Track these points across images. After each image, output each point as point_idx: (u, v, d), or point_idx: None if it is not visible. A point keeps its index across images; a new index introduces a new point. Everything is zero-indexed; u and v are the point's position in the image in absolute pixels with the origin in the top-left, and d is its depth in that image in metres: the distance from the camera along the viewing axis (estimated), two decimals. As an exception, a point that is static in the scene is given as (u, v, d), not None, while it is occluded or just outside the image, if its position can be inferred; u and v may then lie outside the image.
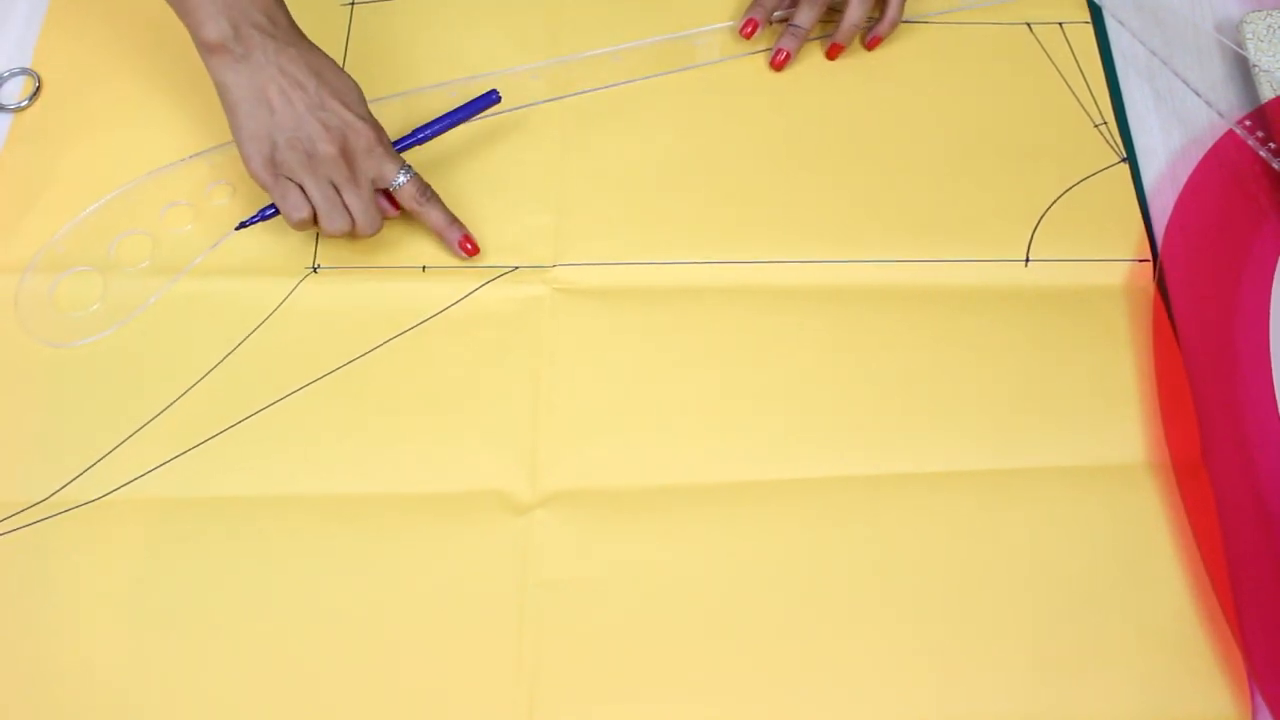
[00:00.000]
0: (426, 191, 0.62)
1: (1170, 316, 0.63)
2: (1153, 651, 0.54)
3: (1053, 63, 0.72)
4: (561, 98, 0.69)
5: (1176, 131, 0.69)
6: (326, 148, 0.58)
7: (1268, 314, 0.62)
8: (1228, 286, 0.63)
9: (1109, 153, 0.68)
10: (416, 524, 0.56)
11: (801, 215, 0.65)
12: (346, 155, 0.59)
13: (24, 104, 0.68)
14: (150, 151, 0.66)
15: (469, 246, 0.63)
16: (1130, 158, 0.68)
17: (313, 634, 0.54)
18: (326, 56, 0.60)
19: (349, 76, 0.60)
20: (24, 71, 0.70)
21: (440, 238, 0.63)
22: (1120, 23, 0.73)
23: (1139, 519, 0.57)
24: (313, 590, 0.55)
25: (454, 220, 0.63)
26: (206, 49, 0.57)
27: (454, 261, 0.63)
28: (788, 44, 0.70)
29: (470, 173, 0.66)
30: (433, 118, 0.64)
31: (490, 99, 0.64)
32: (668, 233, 0.64)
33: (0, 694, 0.52)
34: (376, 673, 0.53)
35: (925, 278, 0.64)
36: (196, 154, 0.66)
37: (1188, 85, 0.70)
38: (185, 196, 0.65)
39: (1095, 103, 0.70)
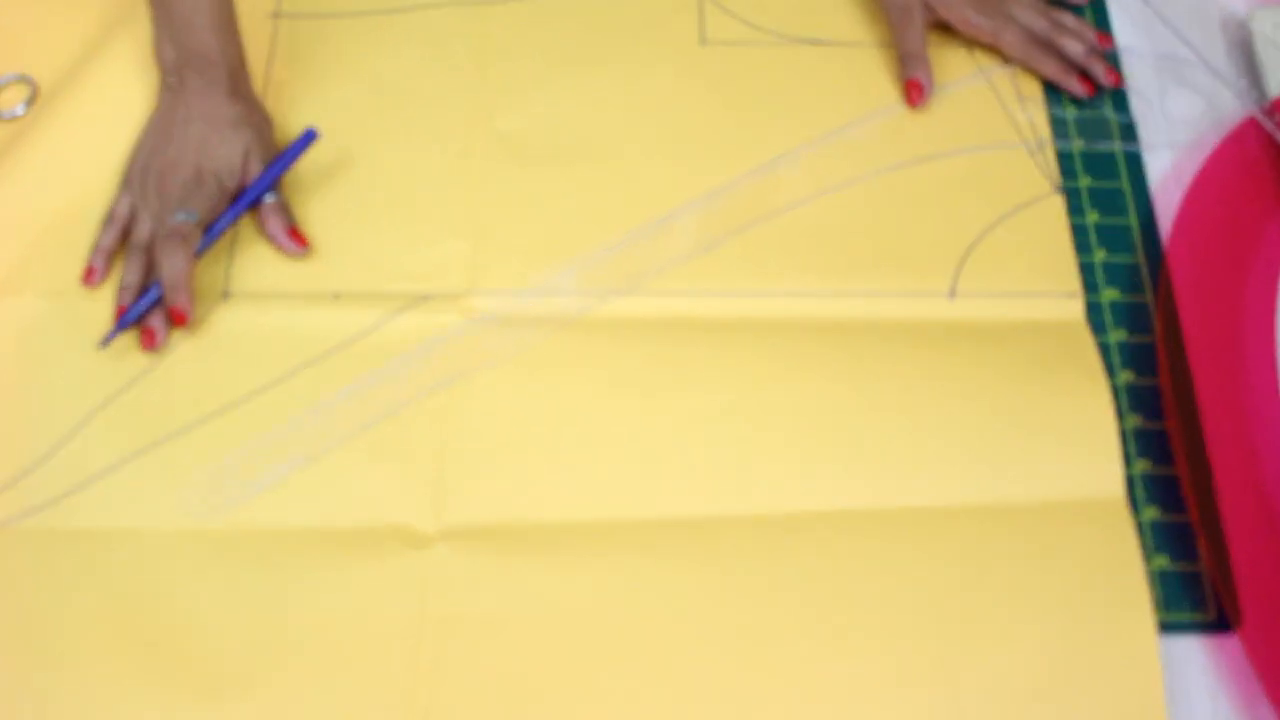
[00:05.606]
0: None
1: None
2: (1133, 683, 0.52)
3: (994, 90, 0.69)
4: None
5: (1182, 127, 0.68)
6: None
7: (1274, 309, 0.60)
8: (1234, 282, 0.62)
9: (1043, 182, 0.65)
10: (315, 559, 0.55)
11: (727, 247, 0.64)
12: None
13: (19, 111, 0.67)
14: None
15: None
16: (1134, 151, 0.66)
17: (202, 672, 0.53)
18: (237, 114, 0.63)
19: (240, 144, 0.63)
20: (19, 78, 0.69)
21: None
22: (1146, 3, 0.72)
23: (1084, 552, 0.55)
24: (204, 627, 0.54)
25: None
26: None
27: (366, 289, 0.62)
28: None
29: (380, 195, 0.65)
30: None
31: (309, 137, 0.63)
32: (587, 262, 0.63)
33: None
34: (267, 714, 0.52)
35: (848, 311, 0.62)
36: None
37: (1206, 64, 0.69)
38: None
39: (1033, 129, 0.67)
